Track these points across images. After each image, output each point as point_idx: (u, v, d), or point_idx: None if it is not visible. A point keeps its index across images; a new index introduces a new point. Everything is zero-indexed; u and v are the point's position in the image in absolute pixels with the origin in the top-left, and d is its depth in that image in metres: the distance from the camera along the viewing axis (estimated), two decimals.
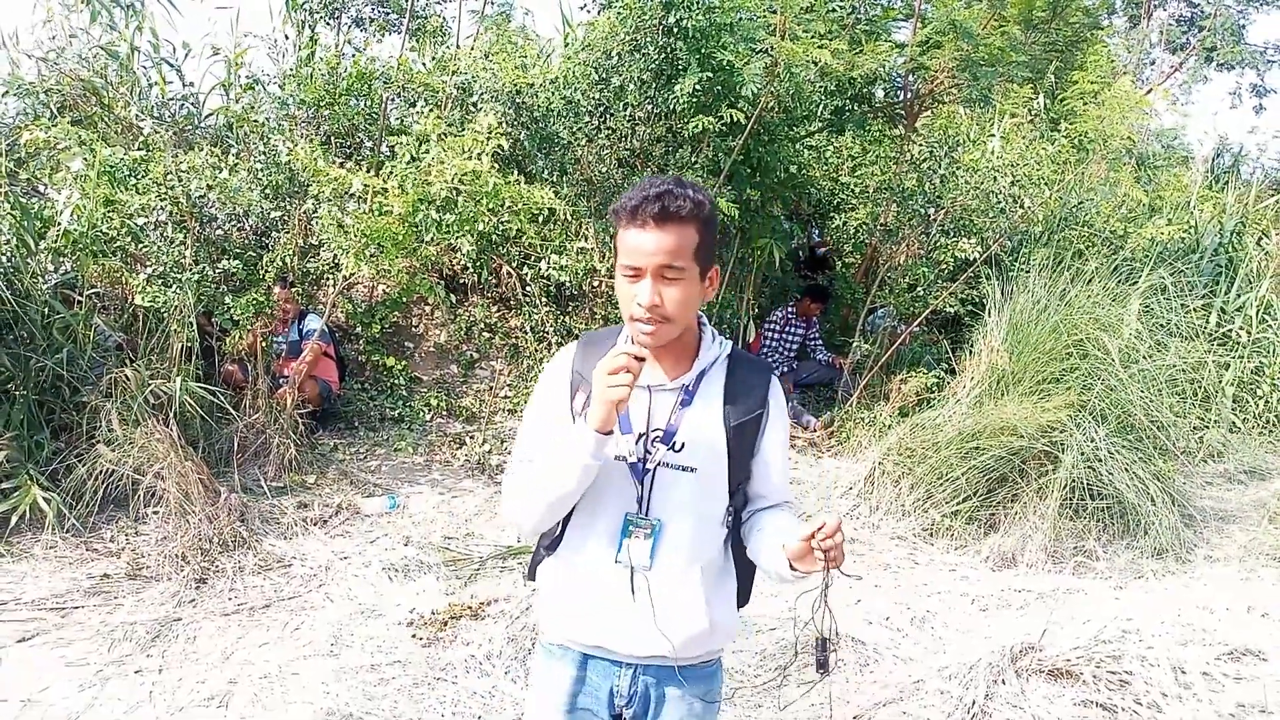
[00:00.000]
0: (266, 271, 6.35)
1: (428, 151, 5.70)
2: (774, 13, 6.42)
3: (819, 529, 1.62)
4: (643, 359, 1.67)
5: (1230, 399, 8.03)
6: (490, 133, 5.67)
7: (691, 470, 1.81)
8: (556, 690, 1.92)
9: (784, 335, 8.17)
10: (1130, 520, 5.49)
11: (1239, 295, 8.96)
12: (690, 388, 1.83)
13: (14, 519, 4.76)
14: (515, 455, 1.89)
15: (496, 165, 5.79)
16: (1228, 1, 19.96)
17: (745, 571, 1.97)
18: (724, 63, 6.40)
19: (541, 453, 1.79)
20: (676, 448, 1.81)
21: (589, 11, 7.60)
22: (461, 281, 7.95)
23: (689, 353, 1.85)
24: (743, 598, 1.99)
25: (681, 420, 1.81)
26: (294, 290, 6.62)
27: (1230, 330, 8.60)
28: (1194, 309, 7.79)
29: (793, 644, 1.87)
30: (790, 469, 6.80)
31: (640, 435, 1.81)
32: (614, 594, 1.83)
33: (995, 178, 7.56)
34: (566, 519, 1.87)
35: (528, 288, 7.74)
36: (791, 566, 1.72)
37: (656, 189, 1.69)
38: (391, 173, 5.66)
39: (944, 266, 7.62)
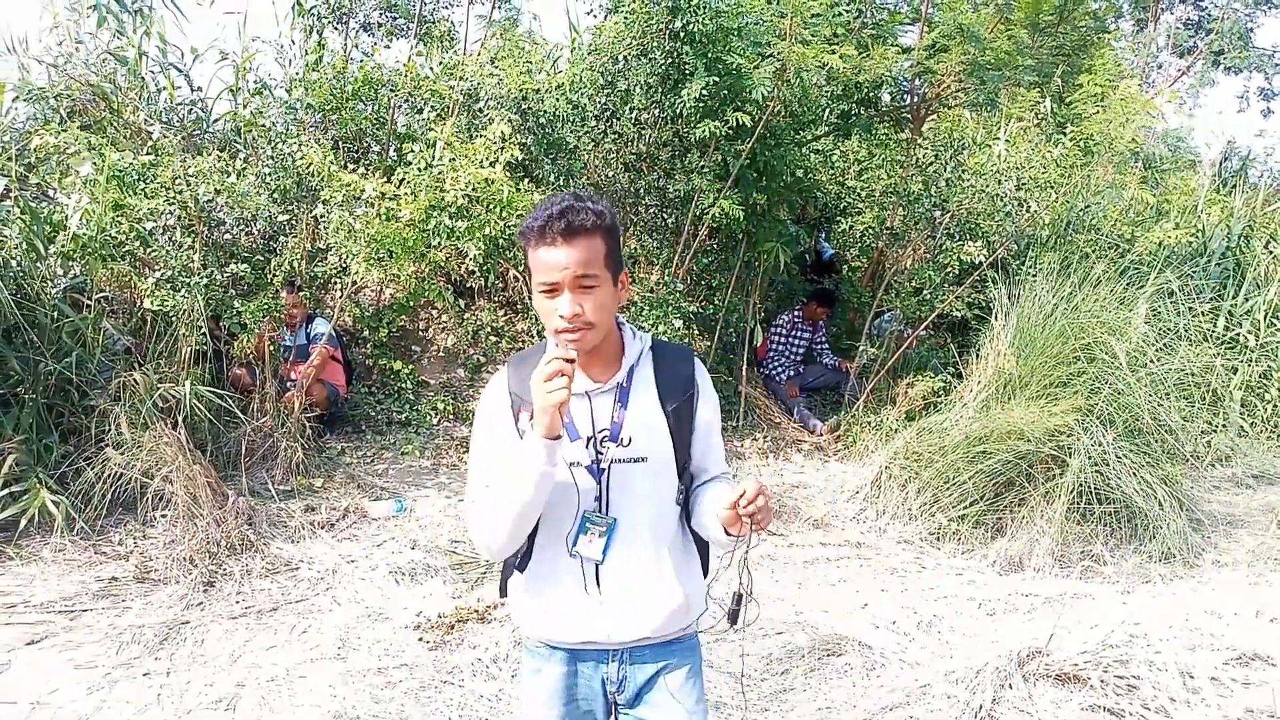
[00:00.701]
0: (275, 275, 6.38)
1: (439, 158, 5.71)
2: (781, 17, 6.42)
3: (740, 495, 1.74)
4: (573, 360, 1.77)
5: (1238, 403, 8.01)
6: (505, 142, 5.70)
7: (643, 460, 1.93)
8: (549, 688, 2.02)
9: (790, 339, 8.17)
10: (1138, 524, 5.48)
11: (1247, 299, 8.93)
12: (624, 385, 1.95)
13: (23, 522, 4.78)
14: (472, 484, 1.96)
15: (507, 172, 5.81)
16: (1235, 5, 19.93)
17: (702, 545, 2.09)
18: (731, 67, 6.41)
19: (497, 474, 1.86)
20: (624, 442, 1.92)
21: (595, 16, 7.61)
22: (469, 286, 7.97)
23: (615, 354, 1.96)
24: (704, 569, 2.10)
25: (624, 417, 1.93)
26: (301, 294, 6.64)
27: (1238, 334, 8.58)
28: (1202, 313, 7.77)
29: (717, 599, 1.95)
30: (797, 473, 6.82)
31: (589, 438, 1.92)
32: (581, 590, 1.95)
33: (1001, 181, 7.55)
34: (532, 535, 1.96)
35: None
36: (726, 532, 1.84)
37: (558, 206, 1.80)
38: (404, 179, 5.68)
39: (950, 270, 7.61)
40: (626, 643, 1.98)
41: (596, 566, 1.93)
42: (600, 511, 1.93)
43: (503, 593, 2.13)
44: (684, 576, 2.00)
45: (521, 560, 1.99)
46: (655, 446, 1.93)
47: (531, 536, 1.96)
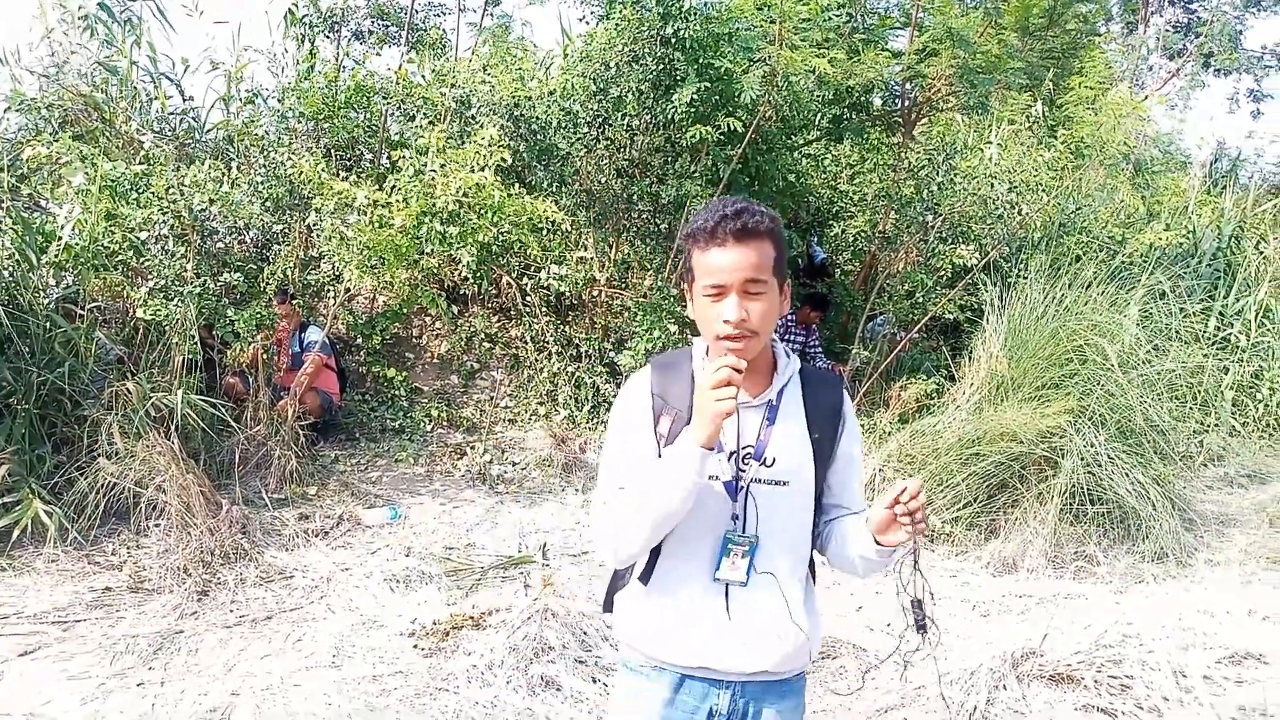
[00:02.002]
0: (268, 284, 6.37)
1: (429, 165, 5.72)
2: (772, 22, 6.44)
3: (901, 492, 1.66)
4: (742, 370, 1.66)
5: (1230, 403, 8.04)
6: (493, 146, 5.70)
7: (784, 484, 1.83)
8: (648, 710, 1.89)
9: (784, 343, 8.17)
10: (1130, 525, 5.50)
11: (1238, 299, 8.98)
12: (774, 403, 1.85)
13: (16, 532, 4.77)
14: (603, 485, 1.86)
15: (498, 178, 5.82)
16: (1225, 7, 20.02)
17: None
18: (722, 72, 6.43)
19: (637, 478, 1.77)
20: (768, 463, 1.82)
21: (587, 23, 7.64)
22: (462, 292, 7.98)
23: (767, 370, 1.87)
24: None
25: (769, 436, 1.83)
26: (295, 303, 6.63)
27: (1229, 334, 8.62)
28: (1193, 313, 7.81)
29: (900, 615, 1.87)
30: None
31: (731, 453, 1.82)
32: (713, 613, 1.82)
33: (992, 184, 7.58)
34: (657, 546, 1.86)
35: (528, 298, 7.77)
36: (877, 542, 1.76)
37: (733, 207, 1.73)
38: (395, 186, 5.68)
39: (942, 273, 7.64)
40: (746, 674, 1.85)
41: (727, 588, 1.82)
42: (739, 531, 1.82)
43: (607, 607, 2.01)
44: (810, 611, 1.90)
45: (644, 573, 1.87)
46: (798, 473, 1.84)
47: (657, 548, 1.85)
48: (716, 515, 1.81)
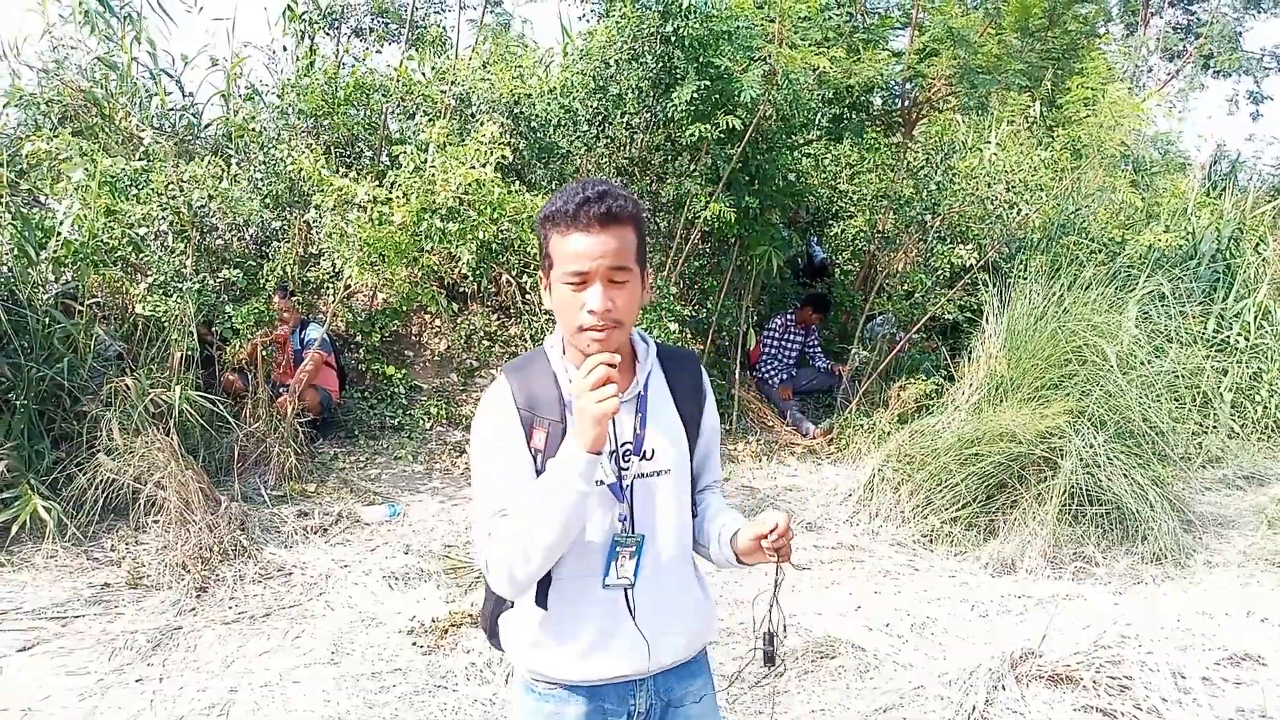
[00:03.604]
0: (267, 281, 6.37)
1: (429, 161, 5.72)
2: (772, 21, 6.44)
3: (770, 531, 1.64)
4: (615, 364, 1.58)
5: (1229, 404, 8.04)
6: (494, 143, 5.70)
7: (665, 473, 1.79)
8: None
9: (783, 343, 8.19)
10: (1129, 526, 5.50)
11: (1237, 301, 8.98)
12: (643, 394, 1.80)
13: (14, 528, 4.77)
14: (481, 513, 1.73)
15: (498, 175, 5.82)
16: (1224, 9, 20.04)
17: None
18: (722, 70, 6.43)
19: (522, 500, 1.66)
20: (648, 455, 1.77)
21: (587, 21, 7.63)
22: (461, 290, 7.97)
23: (630, 361, 1.81)
24: None
25: (646, 428, 1.78)
26: (294, 299, 6.63)
27: (1228, 336, 8.62)
28: (1192, 315, 7.80)
29: (751, 639, 1.85)
30: (790, 475, 6.83)
31: (611, 453, 1.74)
32: (618, 619, 1.78)
33: (991, 185, 7.58)
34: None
35: (527, 296, 7.76)
36: (738, 558, 1.76)
37: (595, 190, 1.63)
38: (395, 182, 5.68)
39: (941, 273, 7.64)
40: (656, 670, 1.82)
41: (627, 591, 1.77)
42: (627, 531, 1.76)
43: (491, 635, 1.94)
44: (704, 589, 1.89)
45: (539, 596, 1.77)
46: (675, 458, 1.79)
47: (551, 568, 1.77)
48: (604, 520, 1.75)
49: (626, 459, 1.76)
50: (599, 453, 1.60)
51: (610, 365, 1.56)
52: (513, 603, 1.85)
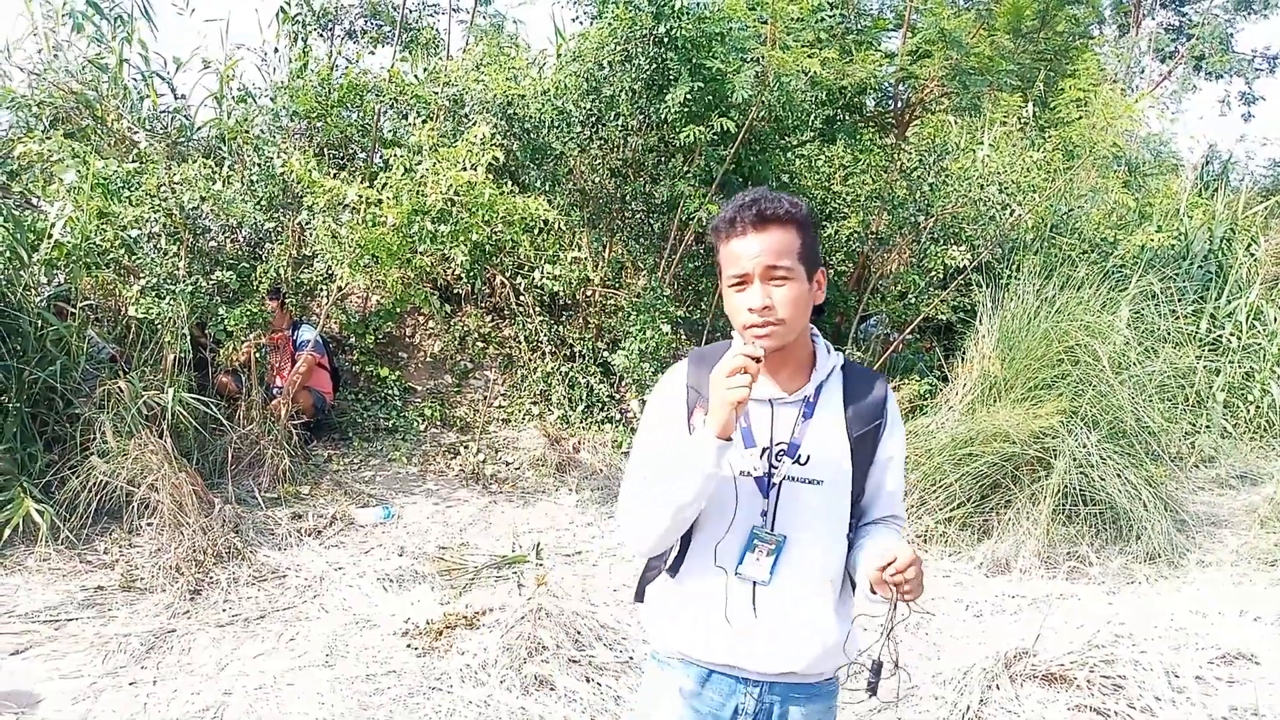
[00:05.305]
0: (260, 283, 6.35)
1: (421, 162, 5.71)
2: (764, 22, 6.45)
3: (890, 563, 1.63)
4: (759, 359, 1.64)
5: (1221, 404, 8.07)
6: (485, 144, 5.69)
7: (818, 483, 1.79)
8: (672, 702, 1.87)
9: None
10: (1123, 525, 5.52)
11: (1229, 301, 9.02)
12: (811, 399, 1.81)
13: (7, 531, 4.74)
14: (630, 475, 1.84)
15: (491, 176, 5.81)
16: (1216, 10, 20.11)
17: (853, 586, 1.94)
18: (715, 72, 6.43)
19: (660, 468, 1.75)
20: (802, 460, 1.78)
21: (580, 22, 7.63)
22: (455, 292, 7.97)
23: (805, 365, 1.84)
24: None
25: (805, 433, 1.79)
26: (287, 302, 6.61)
27: (1221, 336, 8.65)
28: (1184, 315, 7.83)
29: (857, 653, 1.85)
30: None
31: (764, 449, 1.78)
32: (740, 610, 1.80)
33: (984, 185, 7.60)
34: (687, 538, 1.84)
35: (521, 298, 7.76)
36: (871, 589, 1.73)
37: (750, 196, 1.72)
38: (386, 184, 5.67)
39: (935, 274, 7.65)
40: (770, 675, 1.82)
41: (755, 587, 1.78)
42: (768, 529, 1.78)
43: (639, 597, 1.97)
44: (843, 615, 1.86)
45: (673, 565, 1.85)
46: (833, 472, 1.79)
47: (686, 541, 1.83)
48: (747, 511, 1.78)
49: (779, 458, 1.78)
50: (728, 439, 1.65)
51: (753, 358, 1.63)
52: (660, 571, 1.90)
